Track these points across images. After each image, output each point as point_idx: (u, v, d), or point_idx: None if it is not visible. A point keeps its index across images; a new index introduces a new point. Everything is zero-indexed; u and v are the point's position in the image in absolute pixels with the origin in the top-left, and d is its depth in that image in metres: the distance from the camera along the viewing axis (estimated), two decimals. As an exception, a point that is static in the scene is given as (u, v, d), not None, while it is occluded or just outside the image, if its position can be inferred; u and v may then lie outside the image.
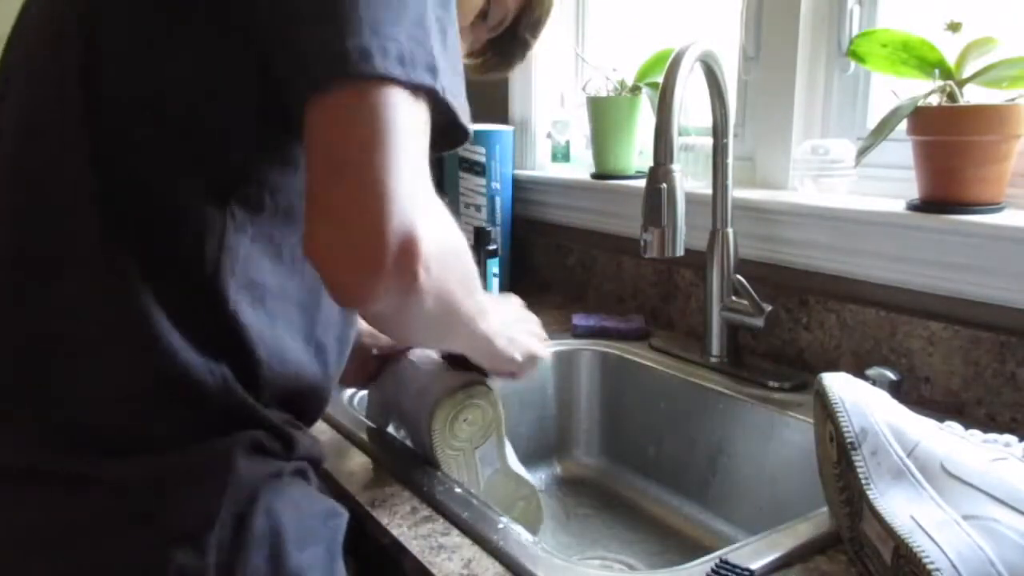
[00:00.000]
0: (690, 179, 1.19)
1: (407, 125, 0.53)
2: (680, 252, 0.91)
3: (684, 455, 1.06)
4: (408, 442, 0.88)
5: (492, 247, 1.30)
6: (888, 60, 0.95)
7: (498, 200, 1.45)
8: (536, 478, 1.13)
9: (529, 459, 1.10)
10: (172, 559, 0.54)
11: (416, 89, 0.54)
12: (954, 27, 0.91)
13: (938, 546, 0.56)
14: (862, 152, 0.94)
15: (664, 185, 0.89)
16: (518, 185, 1.50)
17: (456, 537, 0.70)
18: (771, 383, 1.00)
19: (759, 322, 1.02)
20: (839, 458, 0.65)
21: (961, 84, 0.91)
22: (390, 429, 0.91)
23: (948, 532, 0.57)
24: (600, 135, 1.35)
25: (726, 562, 0.64)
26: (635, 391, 1.14)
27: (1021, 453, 0.62)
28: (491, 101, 1.58)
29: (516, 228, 1.50)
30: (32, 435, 0.58)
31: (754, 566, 0.64)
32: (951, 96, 0.91)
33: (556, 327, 1.23)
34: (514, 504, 0.87)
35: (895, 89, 0.96)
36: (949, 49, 0.91)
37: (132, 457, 0.57)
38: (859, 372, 0.85)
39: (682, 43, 0.93)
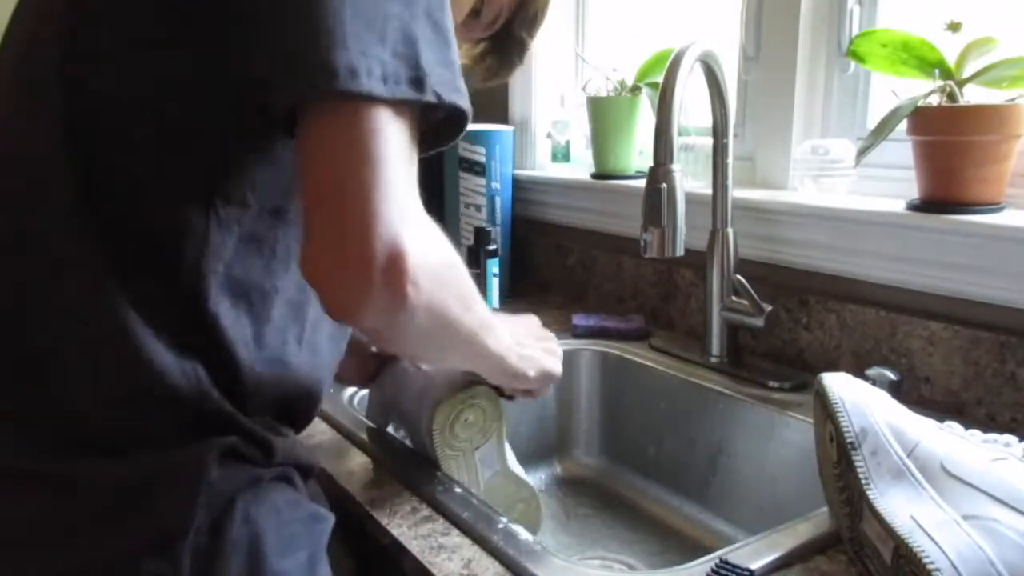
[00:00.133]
0: (690, 179, 1.19)
1: (391, 143, 0.53)
2: (680, 252, 0.91)
3: (684, 455, 1.06)
4: (408, 442, 0.88)
5: (492, 247, 1.30)
6: (888, 60, 0.95)
7: (498, 200, 1.44)
8: (536, 478, 1.13)
9: (529, 459, 1.10)
10: (142, 566, 0.54)
11: (400, 104, 0.54)
12: (954, 27, 0.91)
13: (938, 546, 0.56)
14: (862, 152, 0.94)
15: (664, 185, 0.89)
16: (518, 185, 1.50)
17: (456, 537, 0.70)
18: (771, 383, 1.00)
19: (759, 322, 1.02)
20: (839, 458, 0.65)
21: (961, 84, 0.91)
22: (390, 429, 0.91)
23: (948, 532, 0.57)
24: (600, 135, 1.35)
25: (726, 562, 0.64)
26: (635, 391, 1.14)
27: (1021, 453, 0.62)
28: (491, 101, 1.58)
29: (516, 228, 1.50)
30: (20, 437, 0.57)
31: (754, 566, 0.64)
32: (951, 96, 0.91)
33: (556, 327, 1.23)
34: (514, 506, 0.87)
35: (895, 89, 0.96)
36: (949, 49, 0.91)
37: (107, 460, 0.56)
38: (859, 372, 0.85)
39: (682, 43, 0.93)
